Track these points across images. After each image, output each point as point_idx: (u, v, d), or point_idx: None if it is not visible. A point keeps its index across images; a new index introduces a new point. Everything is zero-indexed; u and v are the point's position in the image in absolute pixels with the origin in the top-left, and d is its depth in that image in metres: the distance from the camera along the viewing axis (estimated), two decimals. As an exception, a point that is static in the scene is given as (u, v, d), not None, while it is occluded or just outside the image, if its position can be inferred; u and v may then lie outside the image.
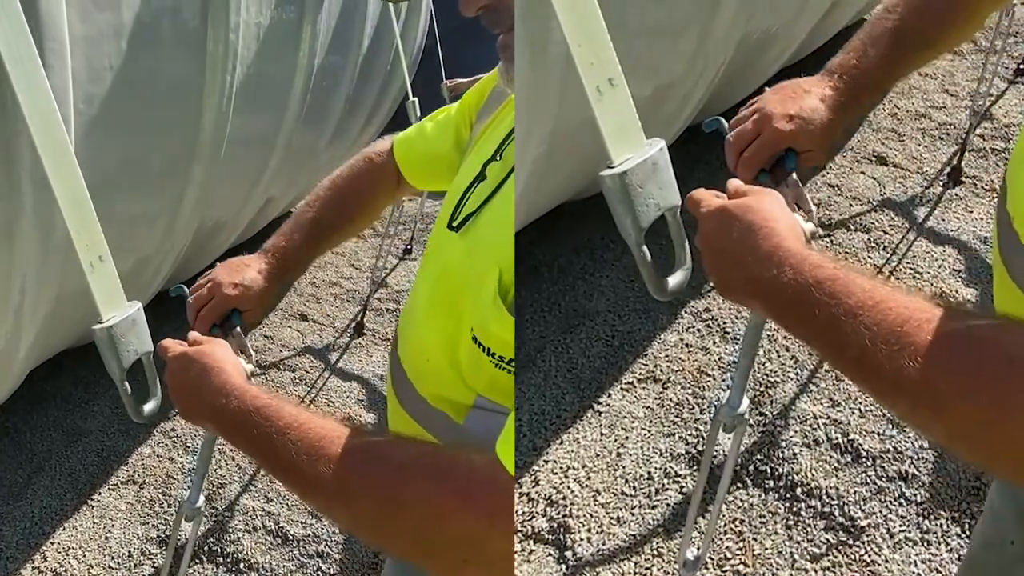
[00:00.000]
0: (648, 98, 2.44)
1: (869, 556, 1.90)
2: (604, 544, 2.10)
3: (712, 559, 2.00)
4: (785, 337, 2.43)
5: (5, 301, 2.38)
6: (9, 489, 2.91)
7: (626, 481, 2.23)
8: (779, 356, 2.40)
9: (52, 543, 2.66)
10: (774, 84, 1.05)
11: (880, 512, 1.97)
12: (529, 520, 2.19)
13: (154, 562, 2.53)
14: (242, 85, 2.73)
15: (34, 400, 3.20)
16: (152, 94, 2.49)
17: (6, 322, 2.44)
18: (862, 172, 3.00)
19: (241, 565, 2.44)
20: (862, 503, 1.99)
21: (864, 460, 2.08)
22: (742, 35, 2.58)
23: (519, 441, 2.38)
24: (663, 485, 2.19)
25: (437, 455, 0.82)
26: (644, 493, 2.19)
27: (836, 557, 1.92)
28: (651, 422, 2.36)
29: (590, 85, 0.83)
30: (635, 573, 2.02)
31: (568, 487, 2.24)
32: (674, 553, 2.03)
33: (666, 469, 2.23)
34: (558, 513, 2.18)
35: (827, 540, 1.95)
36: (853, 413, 2.19)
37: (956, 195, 2.81)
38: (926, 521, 1.93)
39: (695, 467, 2.21)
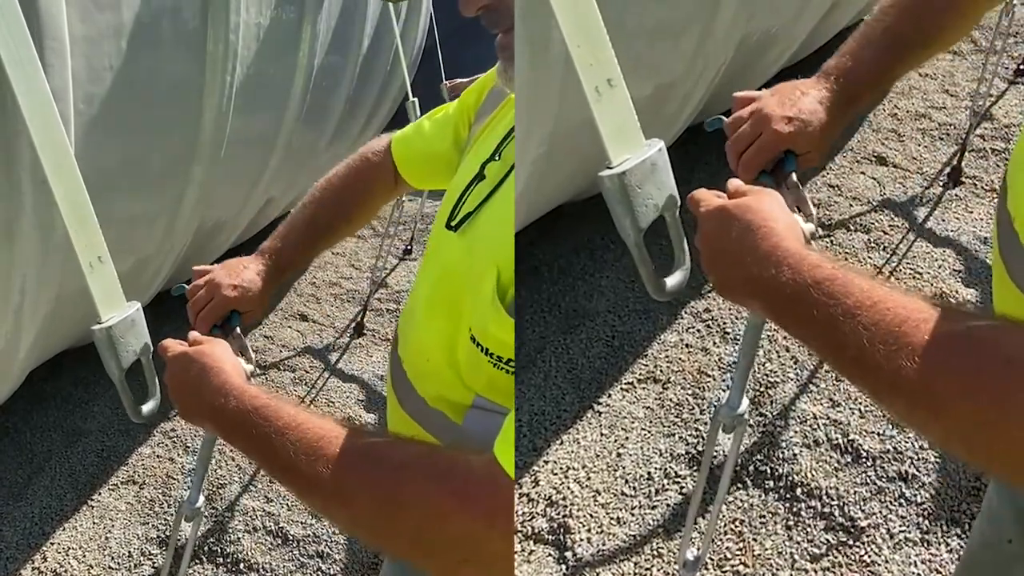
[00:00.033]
0: (648, 98, 2.44)
1: (869, 556, 1.90)
2: (604, 544, 2.10)
3: (712, 559, 1.99)
4: (785, 337, 2.43)
5: (5, 301, 2.38)
6: (9, 489, 2.91)
7: (626, 481, 2.23)
8: (779, 356, 2.40)
9: (52, 543, 2.67)
10: (774, 85, 1.06)
11: (880, 512, 1.97)
12: (529, 520, 2.19)
13: (154, 562, 2.53)
14: (242, 85, 2.73)
15: (34, 400, 3.20)
16: (152, 94, 2.49)
17: (6, 322, 2.45)
18: (862, 172, 3.00)
19: (241, 565, 2.44)
20: (862, 503, 1.99)
21: (864, 460, 2.08)
22: (742, 35, 2.58)
23: (519, 441, 2.38)
24: (663, 485, 2.19)
25: (435, 455, 0.82)
26: (644, 493, 2.19)
27: (836, 557, 1.92)
28: (651, 422, 2.36)
29: (589, 86, 0.83)
30: (635, 573, 2.02)
31: (568, 487, 2.24)
32: (674, 553, 2.03)
33: (666, 469, 2.23)
34: (558, 513, 2.18)
35: (827, 540, 1.95)
36: (853, 413, 2.19)
37: (956, 195, 2.81)
38: (926, 521, 1.93)
39: (695, 467, 2.21)
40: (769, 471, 2.12)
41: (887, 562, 1.88)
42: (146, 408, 1.28)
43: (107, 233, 1.21)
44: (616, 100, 0.85)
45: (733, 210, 0.86)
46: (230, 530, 2.55)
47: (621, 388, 2.49)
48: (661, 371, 2.50)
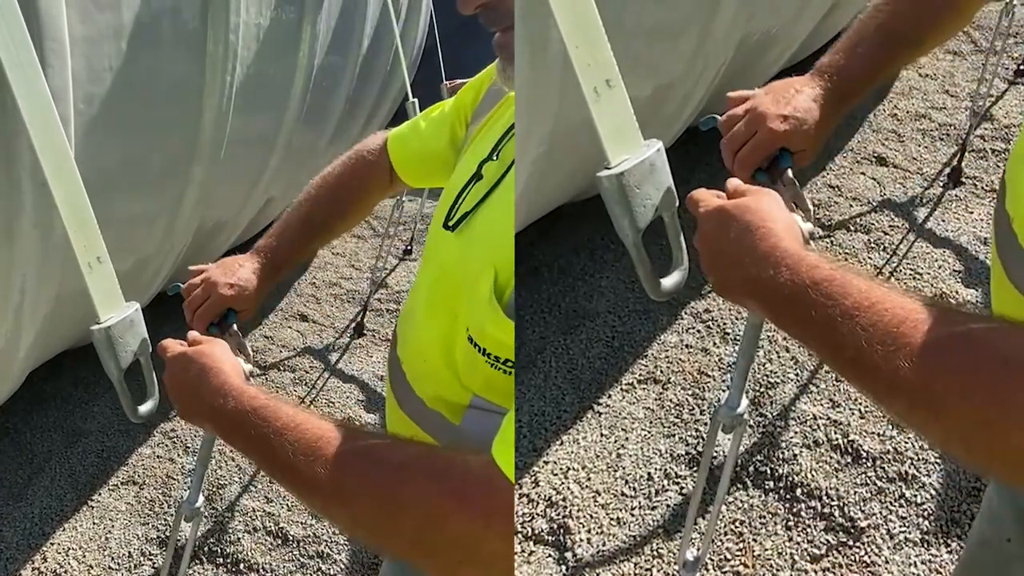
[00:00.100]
0: (648, 98, 2.44)
1: (869, 557, 1.90)
2: (604, 545, 2.10)
3: (712, 560, 1.99)
4: (785, 338, 2.43)
5: (5, 301, 2.38)
6: (9, 490, 2.91)
7: (626, 482, 2.23)
8: (779, 357, 2.40)
9: (52, 544, 2.67)
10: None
11: (880, 513, 1.97)
12: (529, 521, 2.19)
13: (154, 563, 2.53)
14: (242, 85, 2.73)
15: (34, 401, 3.20)
16: (152, 94, 2.49)
17: (6, 322, 2.45)
18: (862, 173, 3.00)
19: (241, 566, 2.44)
20: (862, 504, 1.99)
21: (864, 461, 2.08)
22: (742, 36, 2.58)
23: (519, 442, 2.38)
24: (663, 486, 2.19)
25: (433, 456, 0.82)
26: (644, 494, 2.19)
27: (836, 558, 1.92)
28: (651, 423, 2.36)
29: (587, 86, 0.83)
30: (635, 574, 2.02)
31: (568, 488, 2.24)
32: (674, 554, 2.03)
33: (666, 470, 2.23)
34: (558, 514, 2.18)
35: (827, 541, 1.95)
36: (853, 414, 2.19)
37: (956, 196, 2.81)
38: (926, 522, 1.93)
39: (695, 468, 2.21)
40: (769, 471, 2.12)
41: (887, 563, 1.88)
42: (144, 408, 1.28)
43: (107, 233, 1.21)
44: (615, 101, 0.85)
45: (732, 210, 0.86)
46: (230, 530, 2.55)
47: (621, 389, 2.49)
48: (661, 371, 2.50)
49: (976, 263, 2.55)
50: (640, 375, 2.51)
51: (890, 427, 2.13)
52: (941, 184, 2.87)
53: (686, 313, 2.66)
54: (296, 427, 0.85)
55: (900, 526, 1.93)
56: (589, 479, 2.25)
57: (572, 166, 2.38)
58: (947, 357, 0.64)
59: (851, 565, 1.90)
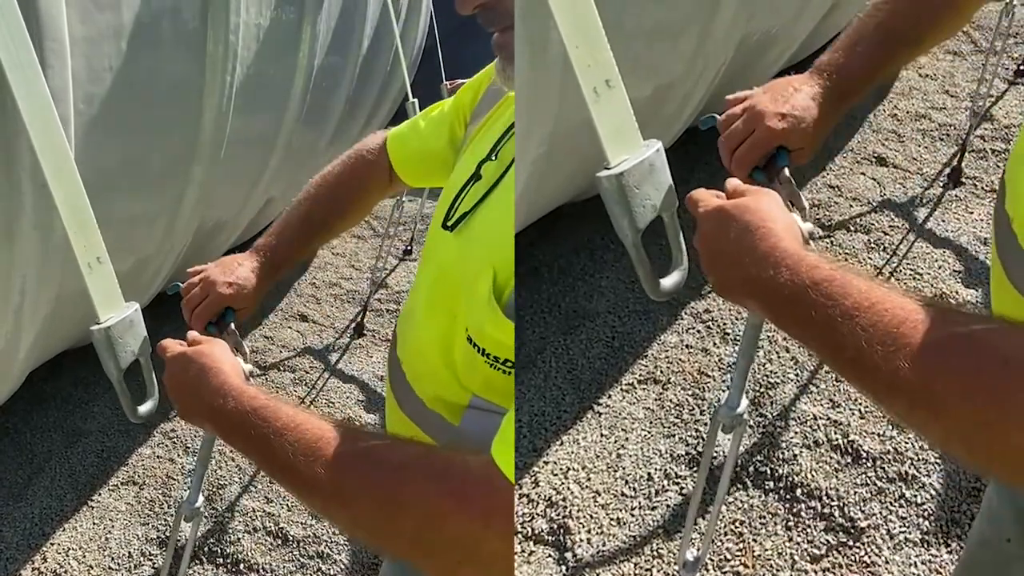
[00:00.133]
0: (648, 98, 2.44)
1: (869, 557, 1.90)
2: (604, 545, 2.10)
3: (712, 560, 1.99)
4: (785, 338, 2.43)
5: (5, 301, 2.38)
6: (9, 490, 2.91)
7: (626, 482, 2.23)
8: (779, 357, 2.39)
9: (52, 544, 2.67)
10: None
11: (880, 513, 1.97)
12: (529, 521, 2.19)
13: (154, 563, 2.53)
14: (242, 86, 2.73)
15: (34, 401, 3.20)
16: (152, 94, 2.49)
17: (6, 322, 2.45)
18: (862, 173, 3.00)
19: (241, 566, 2.44)
20: (862, 504, 1.99)
21: (864, 461, 2.08)
22: (742, 36, 2.58)
23: (519, 442, 2.38)
24: (663, 486, 2.19)
25: (432, 456, 0.82)
26: (644, 494, 2.19)
27: (836, 558, 1.92)
28: (651, 423, 2.36)
29: (587, 87, 0.83)
30: (635, 574, 2.02)
31: (568, 488, 2.24)
32: (674, 554, 2.03)
33: (666, 470, 2.22)
34: (558, 514, 2.18)
35: (827, 541, 1.95)
36: (853, 414, 2.19)
37: (956, 196, 2.81)
38: (926, 522, 1.93)
39: (695, 468, 2.21)
40: (769, 472, 2.12)
41: (887, 563, 1.88)
42: (144, 408, 1.29)
43: (107, 233, 1.21)
44: (614, 101, 0.85)
45: (731, 210, 0.86)
46: (230, 531, 2.55)
47: (621, 389, 2.49)
48: (661, 372, 2.50)
49: (976, 263, 2.55)
50: (640, 375, 2.51)
51: (890, 427, 2.13)
52: (941, 184, 2.87)
53: (686, 313, 2.66)
54: (296, 427, 0.85)
55: (900, 526, 1.93)
56: (589, 479, 2.25)
57: (572, 166, 2.38)
58: (948, 358, 0.64)
59: (851, 565, 1.90)
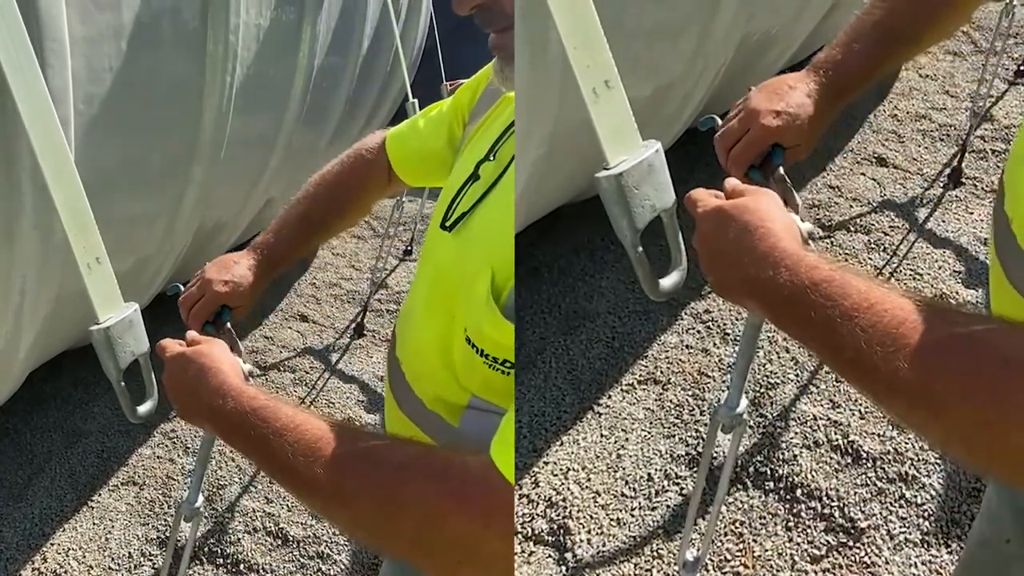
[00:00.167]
0: (648, 99, 2.44)
1: (869, 558, 1.90)
2: (604, 546, 2.09)
3: (712, 560, 1.99)
4: (785, 338, 2.43)
5: (5, 301, 2.38)
6: (9, 490, 2.91)
7: (626, 483, 2.23)
8: (779, 358, 2.39)
9: (52, 544, 2.67)
10: None
11: (880, 514, 1.97)
12: (529, 522, 2.19)
13: (154, 563, 2.53)
14: (242, 86, 2.73)
15: (34, 401, 3.20)
16: (152, 94, 2.49)
17: (6, 323, 2.44)
18: (862, 173, 3.00)
19: (241, 566, 2.44)
20: (862, 504, 1.99)
21: (864, 462, 2.08)
22: (742, 36, 2.58)
23: (519, 443, 2.38)
24: (663, 487, 2.19)
25: (431, 456, 0.82)
26: (644, 495, 2.18)
27: (836, 559, 1.92)
28: (651, 424, 2.36)
29: (586, 87, 0.83)
30: (635, 575, 2.02)
31: (568, 489, 2.24)
32: (674, 554, 2.03)
33: (666, 471, 2.22)
34: (558, 515, 2.18)
35: (827, 542, 1.95)
36: (853, 415, 2.18)
37: (956, 197, 2.80)
38: (926, 523, 1.93)
39: (695, 469, 2.21)
40: (769, 472, 2.12)
41: (887, 563, 1.88)
42: (143, 408, 1.29)
43: (107, 233, 1.21)
44: (613, 101, 0.85)
45: (730, 210, 0.86)
46: (230, 531, 2.55)
47: (621, 389, 2.49)
48: (661, 372, 2.50)
49: (976, 264, 2.55)
50: (640, 376, 2.51)
51: (890, 428, 2.12)
52: (941, 185, 2.87)
53: (686, 314, 2.66)
54: (295, 427, 0.85)
55: (900, 527, 1.93)
56: (589, 480, 2.25)
57: (572, 167, 2.38)
58: (948, 358, 0.64)
59: (851, 566, 1.90)
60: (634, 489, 2.20)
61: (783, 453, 2.15)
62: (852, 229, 2.78)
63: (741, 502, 2.09)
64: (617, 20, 2.10)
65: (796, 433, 2.19)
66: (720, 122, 1.07)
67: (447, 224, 0.99)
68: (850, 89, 1.05)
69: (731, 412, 1.07)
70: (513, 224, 0.95)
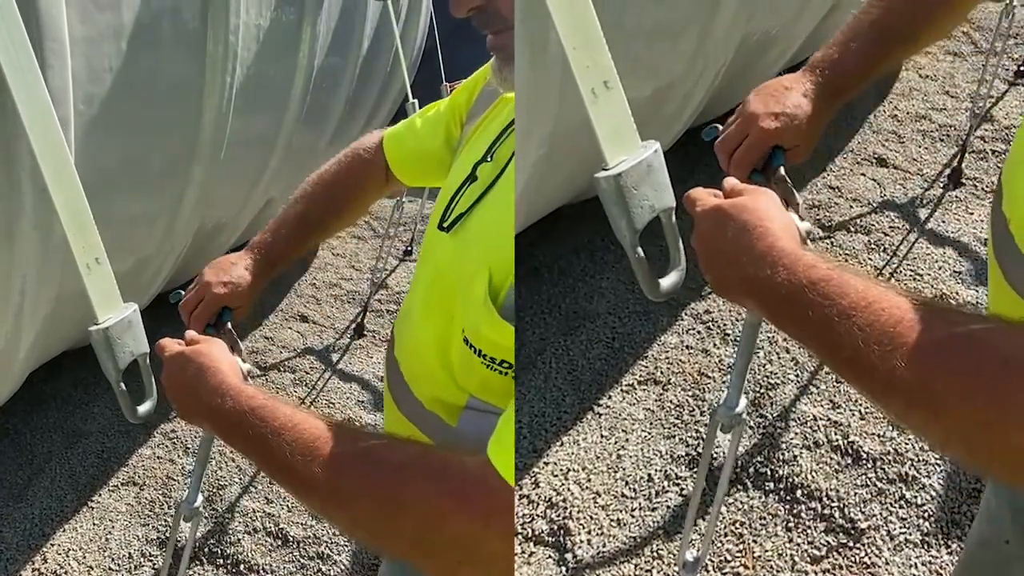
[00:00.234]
0: (648, 99, 2.44)
1: (869, 558, 1.90)
2: (604, 546, 2.09)
3: (712, 561, 1.99)
4: (785, 339, 2.43)
5: (5, 302, 2.38)
6: (9, 491, 2.91)
7: (626, 483, 2.22)
8: (779, 358, 2.39)
9: (52, 545, 2.67)
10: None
11: (880, 514, 1.96)
12: (529, 522, 2.19)
13: (154, 564, 2.53)
14: (242, 86, 2.73)
15: (34, 402, 3.20)
16: (152, 95, 2.49)
17: (6, 323, 2.44)
18: (862, 174, 3.00)
19: (241, 567, 2.44)
20: (862, 505, 1.99)
21: (864, 462, 2.08)
22: (742, 36, 2.58)
23: (519, 443, 2.38)
24: (663, 487, 2.19)
25: (430, 455, 0.82)
26: (644, 495, 2.18)
27: (836, 559, 1.92)
28: (651, 424, 2.36)
29: (585, 88, 0.83)
30: (635, 575, 2.02)
31: (568, 489, 2.24)
32: (674, 555, 2.03)
33: (666, 471, 2.22)
34: (558, 515, 2.18)
35: (827, 542, 1.95)
36: (853, 415, 2.18)
37: (956, 197, 2.80)
38: (926, 523, 1.93)
39: (695, 469, 2.21)
40: (769, 473, 2.12)
41: (887, 564, 1.88)
42: (143, 409, 1.29)
43: (107, 233, 1.21)
44: (612, 102, 0.85)
45: (729, 210, 0.86)
46: (230, 531, 2.55)
47: (621, 390, 2.49)
48: (661, 373, 2.50)
49: (976, 264, 2.55)
50: (640, 376, 2.51)
51: (890, 428, 2.12)
52: (941, 185, 2.87)
53: (686, 314, 2.66)
54: (294, 427, 0.85)
55: (900, 527, 1.93)
56: (589, 480, 2.25)
57: (572, 167, 2.38)
58: (947, 358, 0.64)
59: (851, 566, 1.90)
60: (634, 490, 2.20)
61: (783, 454, 2.15)
62: (852, 229, 2.78)
63: (741, 503, 2.08)
64: (617, 20, 2.10)
65: (796, 433, 2.19)
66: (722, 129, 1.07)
67: (445, 225, 0.99)
68: (847, 88, 1.05)
69: (730, 412, 1.07)
70: (512, 225, 0.95)
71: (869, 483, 2.03)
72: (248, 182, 3.20)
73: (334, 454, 0.81)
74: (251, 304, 1.33)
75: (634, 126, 0.86)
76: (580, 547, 2.10)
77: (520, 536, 2.16)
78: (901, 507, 1.97)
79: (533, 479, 2.29)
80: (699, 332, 2.59)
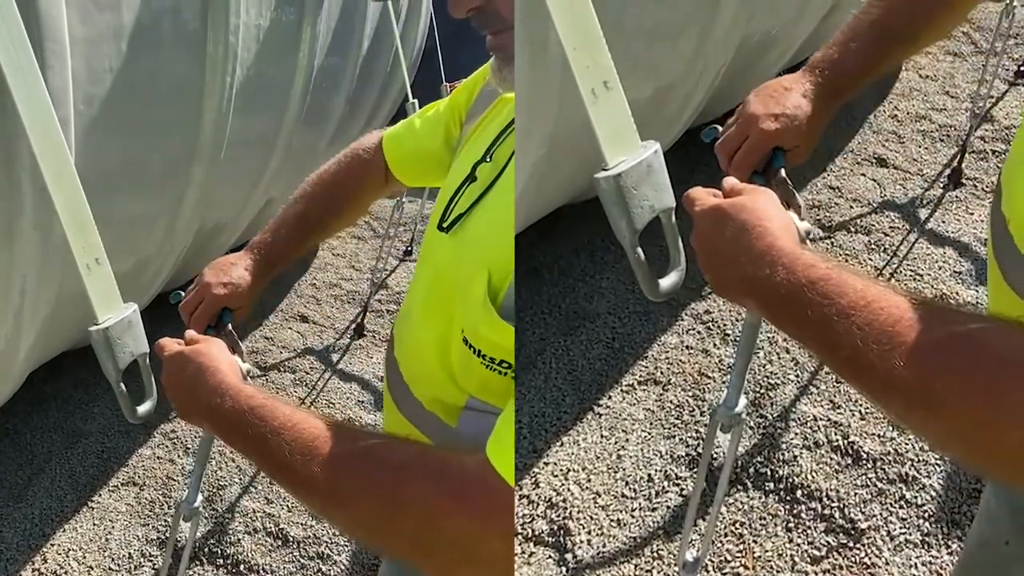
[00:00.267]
0: (648, 99, 2.44)
1: (869, 559, 1.90)
2: (604, 546, 2.09)
3: (712, 561, 1.99)
4: (785, 339, 2.43)
5: (5, 302, 2.38)
6: (9, 491, 2.91)
7: (626, 483, 2.22)
8: (779, 358, 2.39)
9: (52, 545, 2.67)
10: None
11: (880, 514, 1.96)
12: (529, 522, 2.19)
13: (154, 564, 2.53)
14: (242, 86, 2.73)
15: (34, 402, 3.20)
16: (152, 95, 2.49)
17: (6, 323, 2.45)
18: (863, 174, 3.00)
19: (241, 567, 2.44)
20: (862, 505, 1.99)
21: (864, 462, 2.08)
22: (742, 36, 2.58)
23: (519, 443, 2.38)
24: (663, 487, 2.19)
25: (429, 455, 0.82)
26: (644, 495, 2.18)
27: (836, 559, 1.92)
28: (651, 424, 2.36)
29: (585, 88, 0.83)
30: (635, 575, 2.02)
31: (568, 489, 2.24)
32: (674, 555, 2.03)
33: (666, 471, 2.22)
34: (558, 515, 2.18)
35: (827, 542, 1.95)
36: (853, 415, 2.18)
37: (956, 197, 2.80)
38: (927, 523, 1.93)
39: (695, 469, 2.21)
40: (769, 473, 2.12)
41: (887, 564, 1.88)
42: (143, 409, 1.29)
43: (107, 234, 1.21)
44: (612, 102, 0.85)
45: (728, 209, 0.86)
46: (230, 531, 2.55)
47: (621, 390, 2.49)
48: (661, 373, 2.50)
49: (976, 264, 2.55)
50: (640, 376, 2.51)
51: (890, 428, 2.12)
52: (941, 185, 2.87)
53: (686, 314, 2.66)
54: (293, 426, 0.85)
55: (900, 528, 1.93)
56: (589, 480, 2.25)
57: (572, 167, 2.38)
58: (947, 357, 0.64)
59: (851, 567, 1.90)
60: (634, 490, 2.20)
61: (783, 454, 2.15)
62: (852, 230, 2.78)
63: (741, 503, 2.08)
64: (617, 20, 2.10)
65: (796, 434, 2.19)
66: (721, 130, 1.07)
67: (444, 225, 0.99)
68: (847, 88, 1.05)
69: (730, 412, 1.07)
70: (512, 225, 0.95)
71: (869, 483, 2.03)
72: (248, 182, 3.20)
73: (333, 453, 0.81)
74: (251, 305, 1.33)
75: (634, 126, 0.86)
76: (580, 547, 2.10)
77: (520, 536, 2.17)
78: (901, 507, 1.97)
79: (533, 479, 2.29)
80: (699, 332, 2.59)
